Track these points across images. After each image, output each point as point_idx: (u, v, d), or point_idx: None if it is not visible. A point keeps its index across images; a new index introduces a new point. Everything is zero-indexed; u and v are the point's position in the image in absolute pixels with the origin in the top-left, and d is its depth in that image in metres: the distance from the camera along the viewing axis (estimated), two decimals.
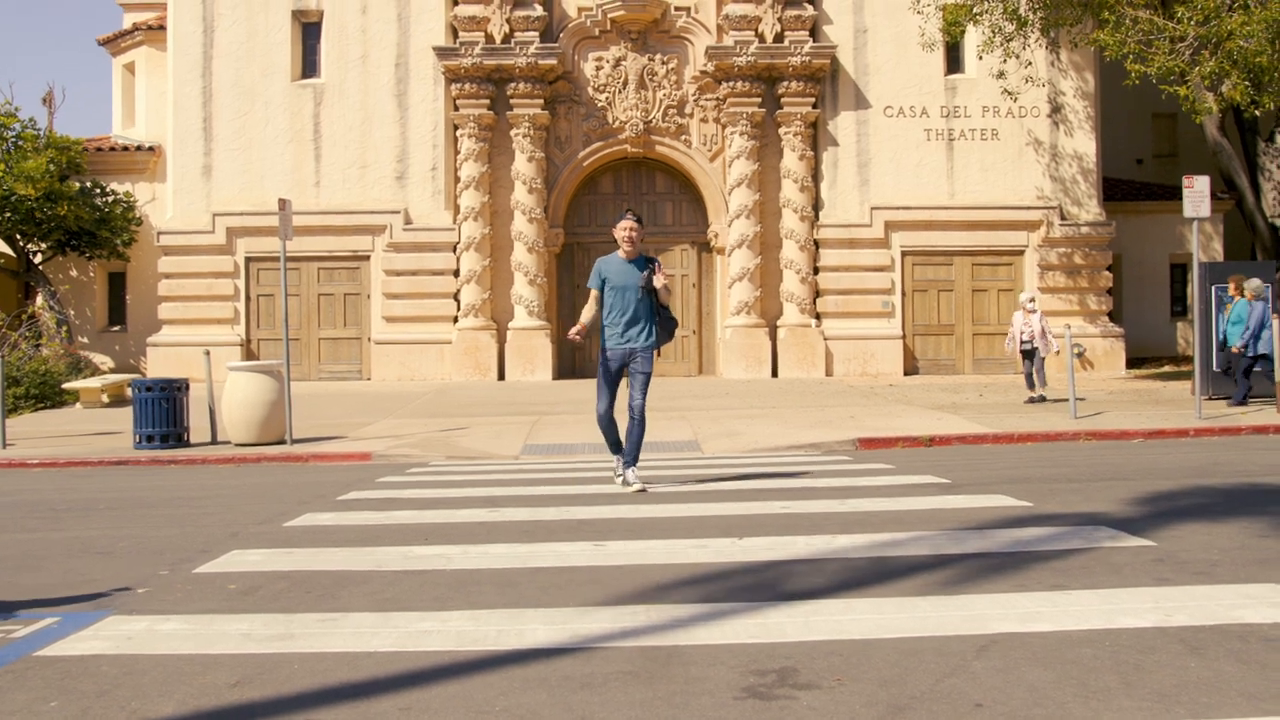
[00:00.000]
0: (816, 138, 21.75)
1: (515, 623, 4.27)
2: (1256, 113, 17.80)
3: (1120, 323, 23.01)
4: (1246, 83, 16.10)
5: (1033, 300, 16.78)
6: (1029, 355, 16.38)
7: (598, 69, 21.66)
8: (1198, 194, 13.52)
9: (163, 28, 23.37)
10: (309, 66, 21.99)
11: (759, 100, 21.35)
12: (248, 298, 21.83)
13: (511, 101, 21.30)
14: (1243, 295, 15.15)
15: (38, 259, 23.51)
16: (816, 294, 21.72)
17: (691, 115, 21.81)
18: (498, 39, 21.26)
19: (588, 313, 8.61)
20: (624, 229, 8.31)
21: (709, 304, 22.38)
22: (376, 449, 12.32)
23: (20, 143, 22.12)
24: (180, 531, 6.89)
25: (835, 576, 4.97)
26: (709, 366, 22.33)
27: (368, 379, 21.72)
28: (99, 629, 4.31)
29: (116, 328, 24.22)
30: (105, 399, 18.77)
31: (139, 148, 24.09)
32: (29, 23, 69.69)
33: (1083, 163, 21.87)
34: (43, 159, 21.55)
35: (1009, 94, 20.36)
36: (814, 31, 21.62)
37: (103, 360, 23.65)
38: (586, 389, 18.29)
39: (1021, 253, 21.87)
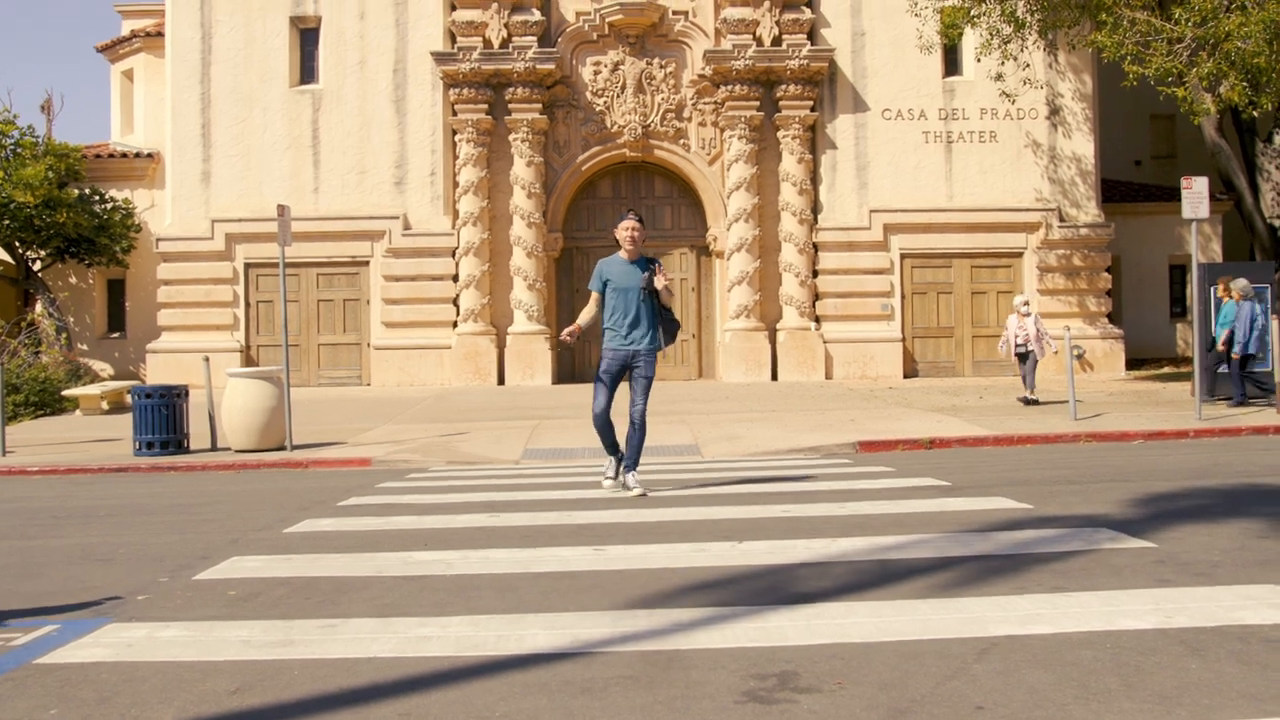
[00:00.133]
0: (815, 141, 21.77)
1: (515, 628, 4.26)
2: (1254, 114, 17.82)
3: (1119, 324, 23.02)
4: (1244, 84, 16.12)
5: (1027, 304, 16.79)
6: (1023, 358, 16.40)
7: (596, 73, 21.67)
8: (1196, 195, 13.53)
9: (161, 34, 23.39)
10: (307, 72, 22.00)
11: (757, 104, 21.37)
12: (247, 304, 21.83)
13: (510, 106, 21.32)
14: (1230, 297, 15.15)
15: (37, 266, 23.52)
16: (816, 297, 21.73)
17: (690, 119, 21.83)
18: (496, 44, 21.28)
19: (585, 315, 8.54)
20: (626, 229, 8.21)
21: (708, 307, 22.39)
22: (376, 454, 12.32)
23: (19, 150, 22.15)
24: (180, 538, 6.89)
25: (836, 580, 4.96)
26: (708, 370, 22.34)
27: (367, 384, 21.71)
28: (99, 636, 4.31)
29: (116, 335, 24.23)
30: (105, 406, 18.77)
31: (138, 154, 24.11)
32: (28, 30, 69.78)
33: (1081, 164, 21.88)
34: (41, 166, 21.56)
35: (1007, 96, 20.37)
36: (812, 35, 21.64)
37: (102, 367, 23.66)
38: (586, 393, 18.25)
39: (1020, 255, 21.88)
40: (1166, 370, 22.01)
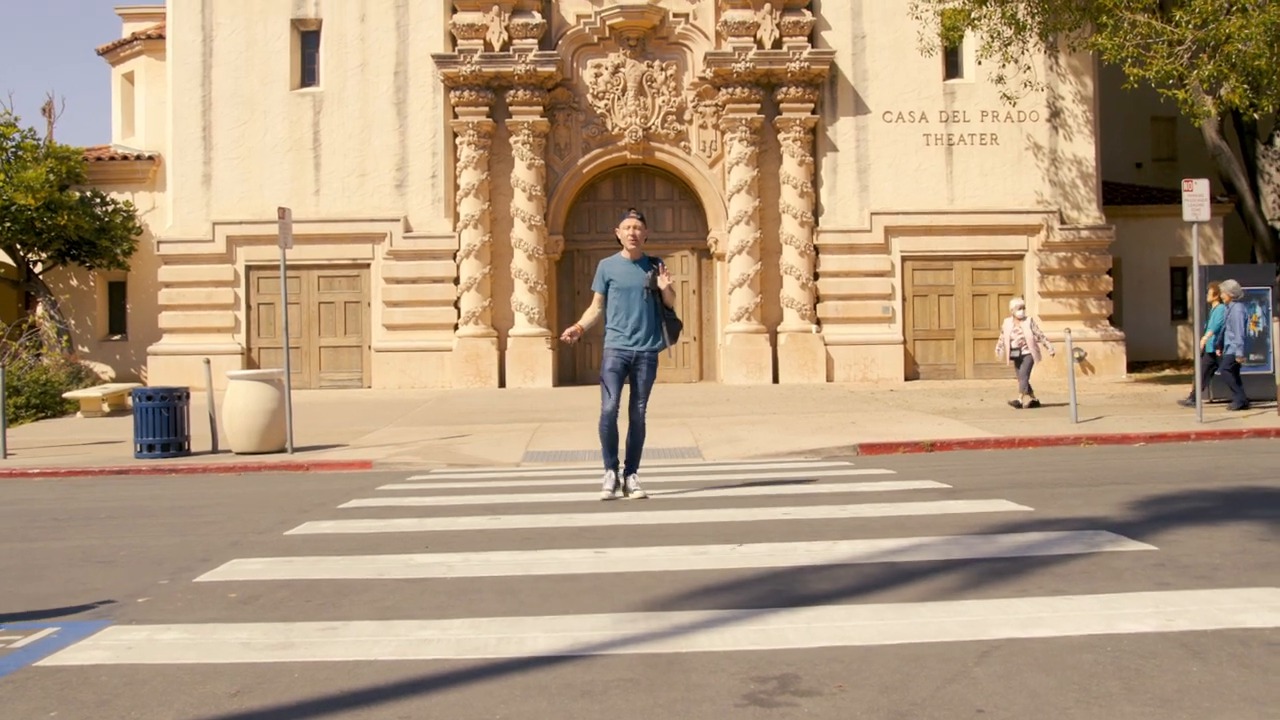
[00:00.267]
0: (816, 143, 21.77)
1: (516, 630, 4.26)
2: (1255, 116, 17.82)
3: (1120, 327, 23.01)
4: (1245, 86, 16.12)
5: (1022, 307, 16.78)
6: (1018, 362, 16.40)
7: (597, 76, 21.69)
8: (1197, 197, 13.53)
9: (162, 37, 23.40)
10: (308, 75, 22.01)
11: (758, 106, 21.37)
12: (248, 306, 21.84)
13: (511, 109, 21.33)
14: (1220, 300, 15.13)
15: (38, 269, 23.53)
16: (817, 299, 21.73)
17: (690, 121, 21.83)
18: (496, 46, 21.29)
19: (588, 316, 8.43)
20: (627, 228, 8.12)
21: (709, 310, 22.39)
22: (377, 457, 12.32)
23: (20, 153, 22.15)
24: (181, 540, 6.89)
25: (836, 583, 4.96)
26: (709, 372, 22.33)
27: (368, 387, 21.71)
28: (99, 638, 4.31)
29: (117, 337, 24.23)
30: (106, 408, 18.78)
31: (139, 157, 24.12)
32: (28, 33, 69.87)
33: (1082, 167, 21.88)
34: (42, 169, 21.58)
35: (1008, 98, 20.37)
36: (812, 37, 21.65)
37: (103, 369, 23.66)
38: (587, 395, 18.28)
39: (1021, 257, 21.88)
40: (1167, 373, 22.00)
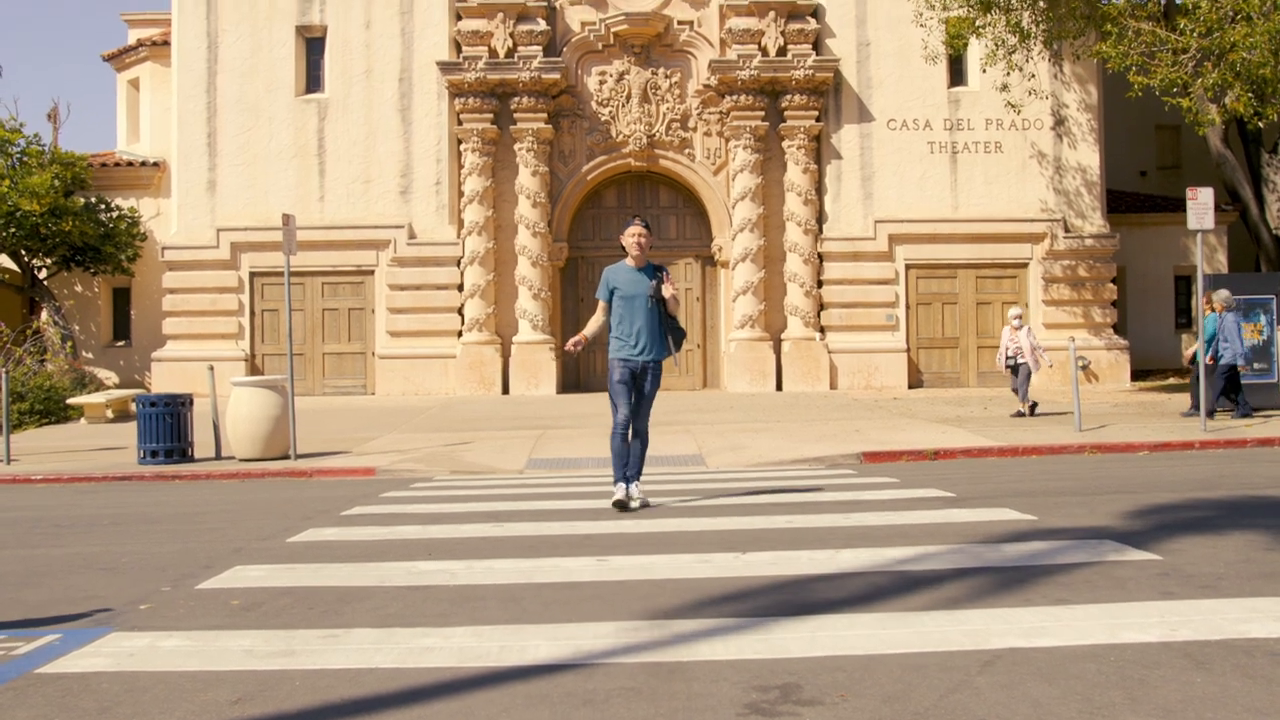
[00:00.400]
0: (820, 151, 21.79)
1: (518, 638, 4.26)
2: (1260, 124, 17.81)
3: (1124, 335, 22.99)
4: (1250, 94, 16.13)
5: (1019, 316, 16.71)
6: (1016, 371, 16.35)
7: (601, 83, 21.72)
8: (1201, 206, 13.51)
9: (167, 44, 23.47)
10: (313, 82, 22.07)
11: (762, 114, 21.40)
12: (252, 313, 21.87)
13: (515, 116, 21.36)
14: (1213, 309, 15.09)
15: (42, 274, 23.58)
16: (820, 307, 21.73)
17: (695, 129, 21.86)
18: (501, 54, 21.33)
19: (593, 324, 8.36)
20: (632, 235, 8.07)
21: (713, 317, 22.40)
22: (380, 464, 12.32)
23: (25, 159, 22.22)
24: (183, 547, 6.89)
25: (839, 592, 4.95)
26: (713, 380, 22.33)
27: (372, 394, 21.73)
28: (100, 646, 4.31)
29: (121, 343, 24.27)
30: (110, 414, 18.80)
31: (144, 163, 24.18)
32: (34, 39, 70.12)
33: (1086, 175, 21.87)
34: (47, 175, 21.64)
35: (1012, 107, 20.38)
36: (817, 45, 21.67)
37: (107, 375, 23.69)
38: (591, 403, 18.27)
39: (1025, 265, 21.87)
40: (1172, 381, 21.95)
